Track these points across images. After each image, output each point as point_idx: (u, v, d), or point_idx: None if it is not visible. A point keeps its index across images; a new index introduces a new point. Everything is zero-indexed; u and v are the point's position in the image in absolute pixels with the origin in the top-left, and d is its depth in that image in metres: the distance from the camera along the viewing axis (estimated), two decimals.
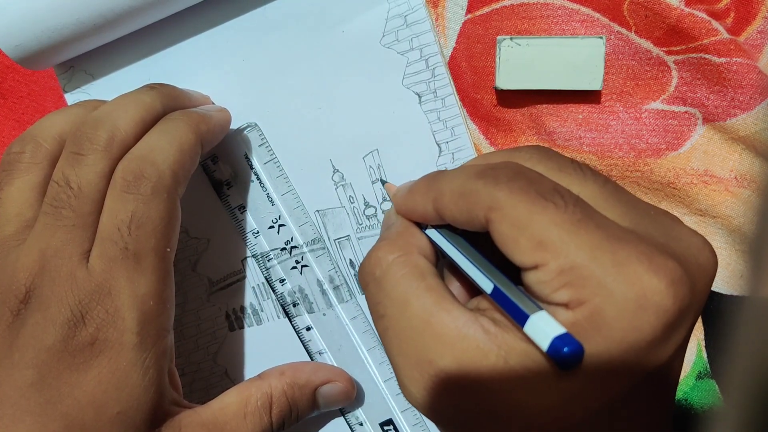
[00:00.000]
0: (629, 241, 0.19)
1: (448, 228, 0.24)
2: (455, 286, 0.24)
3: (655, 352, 0.19)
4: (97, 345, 0.23)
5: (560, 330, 0.18)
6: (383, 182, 0.31)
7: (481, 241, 0.22)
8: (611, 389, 0.19)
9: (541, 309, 0.19)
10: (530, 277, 0.20)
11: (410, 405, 0.31)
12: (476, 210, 0.21)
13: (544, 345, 0.18)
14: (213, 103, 0.31)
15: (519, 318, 0.19)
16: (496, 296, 0.21)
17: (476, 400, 0.20)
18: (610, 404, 0.19)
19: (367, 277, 0.23)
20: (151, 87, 0.27)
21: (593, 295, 0.18)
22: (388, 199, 0.31)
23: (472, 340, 0.20)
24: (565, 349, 0.18)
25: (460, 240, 0.23)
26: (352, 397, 0.31)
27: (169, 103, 0.27)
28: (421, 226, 0.24)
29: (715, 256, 0.21)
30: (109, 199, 0.24)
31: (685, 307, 0.19)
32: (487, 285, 0.21)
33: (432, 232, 0.24)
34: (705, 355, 0.31)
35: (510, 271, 0.21)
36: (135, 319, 0.24)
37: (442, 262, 0.25)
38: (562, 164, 0.22)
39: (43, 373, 0.23)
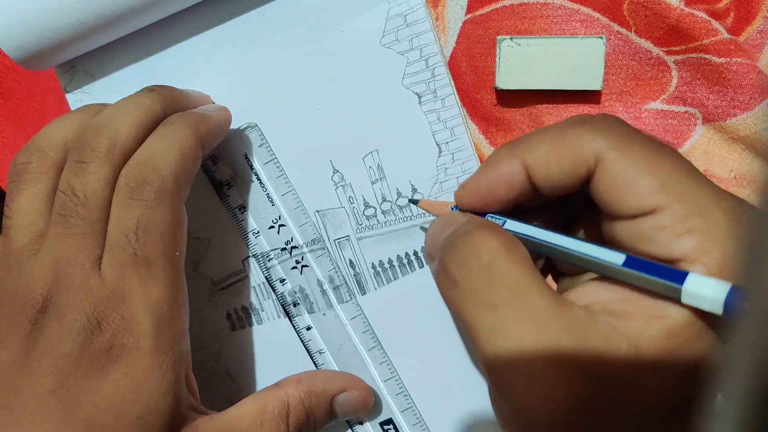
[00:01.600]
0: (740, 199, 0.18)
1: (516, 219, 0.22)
2: None
3: None
4: (114, 350, 0.23)
5: (726, 285, 0.17)
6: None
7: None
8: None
9: (686, 273, 0.18)
10: (647, 224, 0.18)
11: (410, 405, 0.31)
12: (582, 155, 0.19)
13: (718, 308, 0.17)
14: (213, 102, 0.31)
15: (670, 292, 0.18)
16: (633, 266, 0.19)
17: (599, 387, 0.19)
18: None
19: (471, 261, 0.20)
20: (151, 89, 0.27)
21: (721, 245, 0.17)
22: (389, 199, 0.31)
23: (602, 327, 0.19)
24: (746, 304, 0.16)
25: (540, 228, 0.21)
26: (369, 405, 0.30)
27: (168, 105, 0.27)
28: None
29: None
30: (114, 206, 0.24)
31: None
32: (607, 269, 0.19)
33: (512, 224, 0.22)
34: None
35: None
36: (150, 324, 0.24)
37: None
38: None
39: (62, 380, 0.23)
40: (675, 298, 0.18)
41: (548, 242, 0.21)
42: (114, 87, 0.31)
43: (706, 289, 0.17)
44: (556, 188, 0.21)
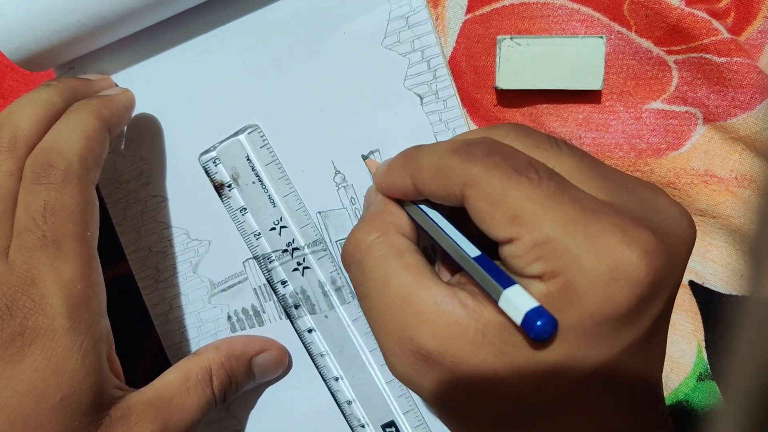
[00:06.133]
0: (604, 213, 0.19)
1: (427, 203, 0.24)
2: (439, 264, 0.25)
3: (630, 325, 0.19)
4: (28, 334, 0.23)
5: (533, 303, 0.19)
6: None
7: (461, 217, 0.23)
8: (588, 362, 0.19)
9: (514, 283, 0.19)
10: (505, 251, 0.20)
11: (413, 407, 0.31)
12: (452, 186, 0.21)
13: (518, 318, 0.19)
14: (116, 85, 0.30)
15: (493, 293, 0.20)
16: (471, 271, 0.21)
17: (456, 376, 0.20)
18: (588, 377, 0.19)
19: (348, 259, 0.23)
20: (48, 84, 0.27)
21: (566, 268, 0.19)
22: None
23: (450, 315, 0.20)
24: (538, 323, 0.18)
25: (438, 215, 0.23)
26: (284, 364, 0.32)
27: (68, 96, 0.27)
28: (402, 203, 0.24)
29: (694, 227, 0.21)
30: (21, 193, 0.25)
31: (660, 279, 0.19)
32: (462, 259, 0.21)
33: (411, 209, 0.24)
34: (705, 356, 0.31)
35: (487, 247, 0.21)
36: (63, 304, 0.24)
37: (426, 240, 0.25)
38: (539, 140, 0.22)
39: None
40: (495, 300, 0.20)
41: (426, 231, 0.23)
42: None
43: (517, 300, 0.19)
44: (446, 204, 0.22)
